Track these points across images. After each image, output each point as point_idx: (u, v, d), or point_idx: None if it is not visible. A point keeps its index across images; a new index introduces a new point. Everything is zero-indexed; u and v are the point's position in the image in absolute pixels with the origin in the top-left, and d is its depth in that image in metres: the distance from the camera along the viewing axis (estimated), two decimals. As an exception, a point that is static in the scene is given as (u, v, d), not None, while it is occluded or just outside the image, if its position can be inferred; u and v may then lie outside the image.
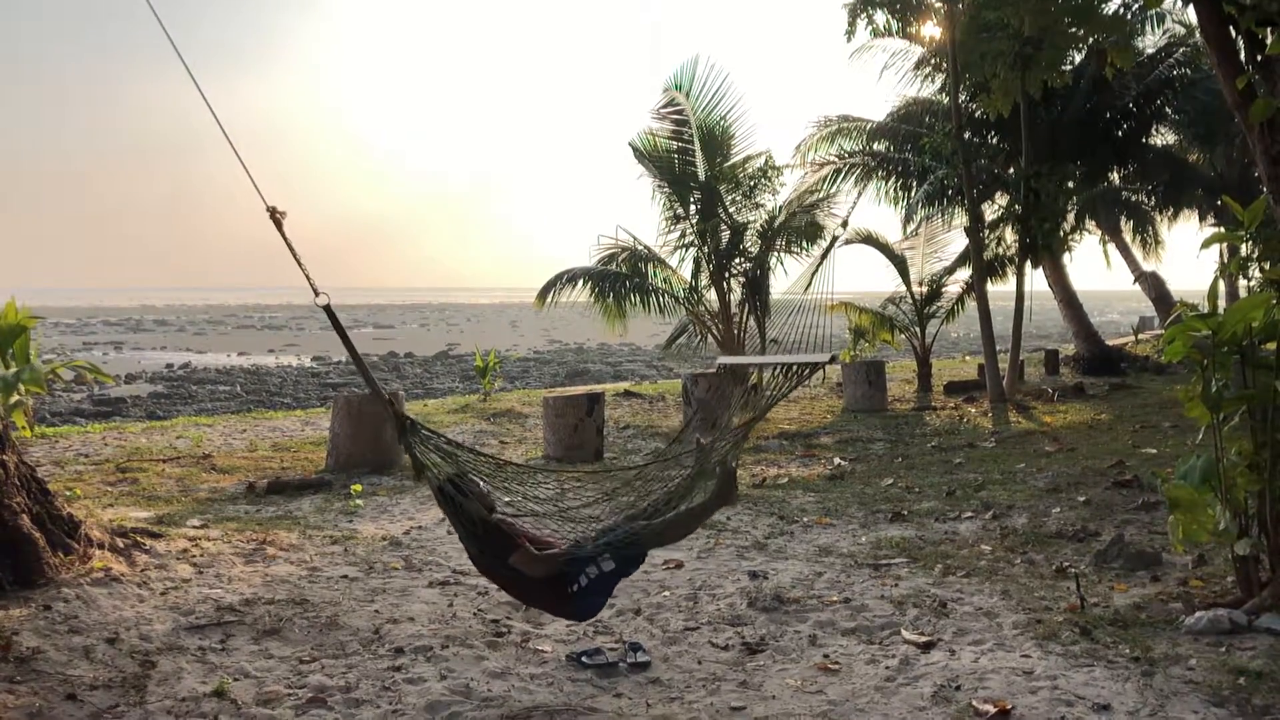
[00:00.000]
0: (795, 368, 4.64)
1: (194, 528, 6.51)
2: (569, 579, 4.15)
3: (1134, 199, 20.57)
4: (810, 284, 4.95)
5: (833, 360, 4.61)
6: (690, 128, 14.52)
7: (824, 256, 5.05)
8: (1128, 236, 23.29)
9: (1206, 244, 5.31)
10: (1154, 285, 23.96)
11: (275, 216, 4.13)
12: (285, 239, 4.12)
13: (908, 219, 17.97)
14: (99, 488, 7.94)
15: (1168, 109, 18.17)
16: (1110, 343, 21.80)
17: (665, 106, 14.74)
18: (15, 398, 9.57)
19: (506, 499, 4.41)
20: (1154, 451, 9.25)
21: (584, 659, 4.41)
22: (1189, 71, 17.30)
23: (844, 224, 5.66)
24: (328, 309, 4.17)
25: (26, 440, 9.75)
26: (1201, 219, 22.44)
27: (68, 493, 7.09)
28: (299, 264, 4.06)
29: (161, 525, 6.43)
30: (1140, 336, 24.67)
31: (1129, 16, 14.98)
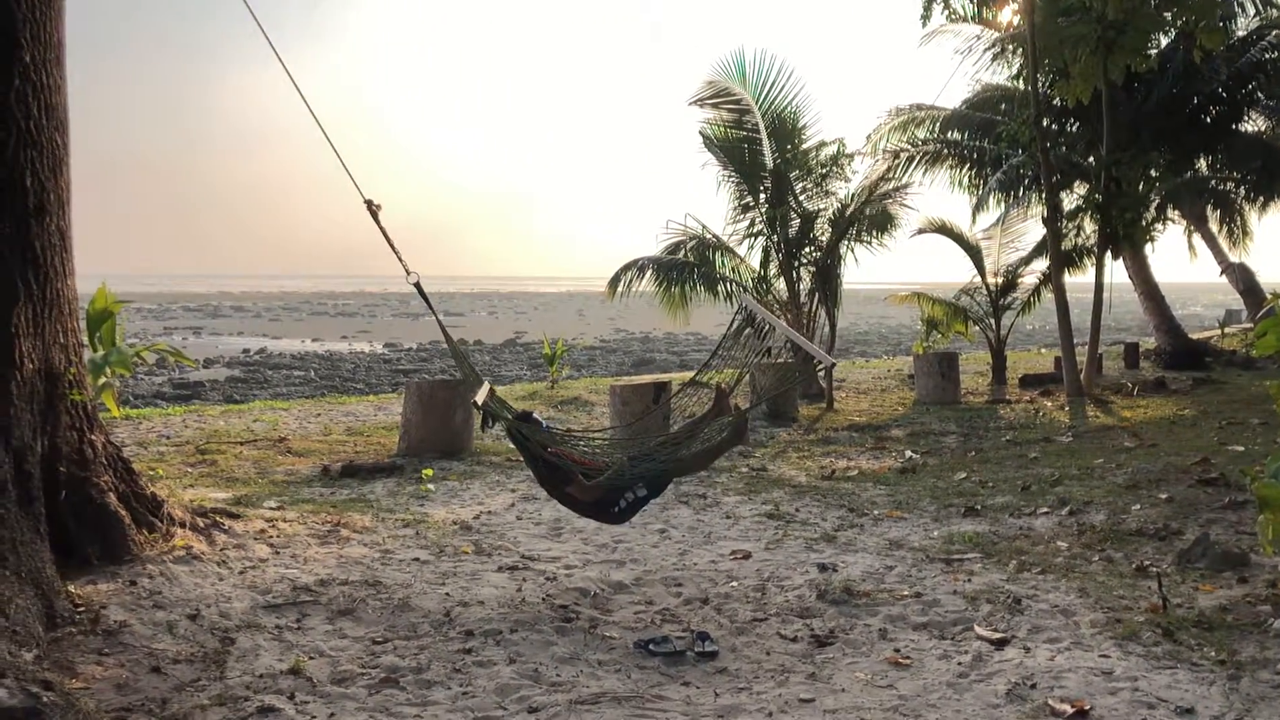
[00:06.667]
0: (800, 354, 5.25)
1: (270, 509, 6.66)
2: (612, 502, 5.15)
3: (1222, 187, 19.83)
4: None
5: (832, 366, 5.64)
6: (754, 115, 14.40)
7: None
8: (1214, 226, 22.48)
9: (1302, 233, 5.09)
10: (1242, 277, 23.14)
11: (372, 208, 4.52)
12: (381, 228, 4.48)
13: (978, 208, 17.60)
14: (180, 468, 8.18)
15: (1260, 94, 17.46)
16: (1194, 336, 21.11)
17: (714, 96, 14.62)
18: (103, 379, 9.91)
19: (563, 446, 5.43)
20: (1241, 449, 8.93)
21: (651, 647, 4.41)
22: (1282, 55, 16.61)
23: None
24: (418, 286, 4.65)
25: (113, 421, 10.08)
26: (1293, 209, 21.55)
27: (151, 473, 7.30)
28: (393, 249, 4.42)
29: (239, 506, 6.60)
30: (1227, 330, 23.83)
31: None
